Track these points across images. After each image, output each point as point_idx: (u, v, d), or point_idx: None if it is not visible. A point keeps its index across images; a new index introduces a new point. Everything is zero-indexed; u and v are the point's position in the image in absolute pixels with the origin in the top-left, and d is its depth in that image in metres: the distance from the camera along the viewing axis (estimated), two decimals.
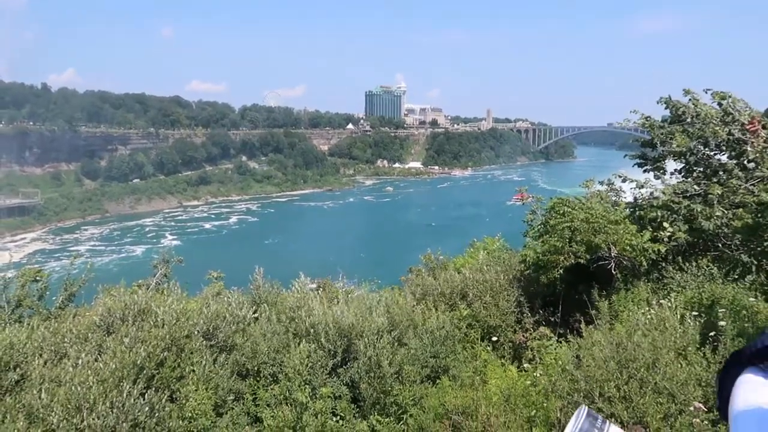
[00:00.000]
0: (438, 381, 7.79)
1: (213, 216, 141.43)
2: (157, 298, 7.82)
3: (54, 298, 10.49)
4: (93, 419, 5.79)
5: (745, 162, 11.70)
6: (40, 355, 6.94)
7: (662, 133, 12.78)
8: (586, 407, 0.93)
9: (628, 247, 10.23)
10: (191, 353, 6.71)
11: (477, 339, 9.66)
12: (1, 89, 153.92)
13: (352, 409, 7.02)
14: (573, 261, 10.48)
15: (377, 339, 7.34)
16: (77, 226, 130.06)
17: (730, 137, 11.76)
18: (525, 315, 10.43)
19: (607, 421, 0.88)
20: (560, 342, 9.01)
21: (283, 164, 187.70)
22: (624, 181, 13.67)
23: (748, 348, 0.99)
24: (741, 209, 9.81)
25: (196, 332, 6.98)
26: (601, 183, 14.15)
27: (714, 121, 12.04)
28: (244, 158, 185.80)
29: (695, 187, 11.66)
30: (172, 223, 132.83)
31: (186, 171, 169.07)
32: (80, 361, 6.60)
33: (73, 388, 6.05)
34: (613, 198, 13.22)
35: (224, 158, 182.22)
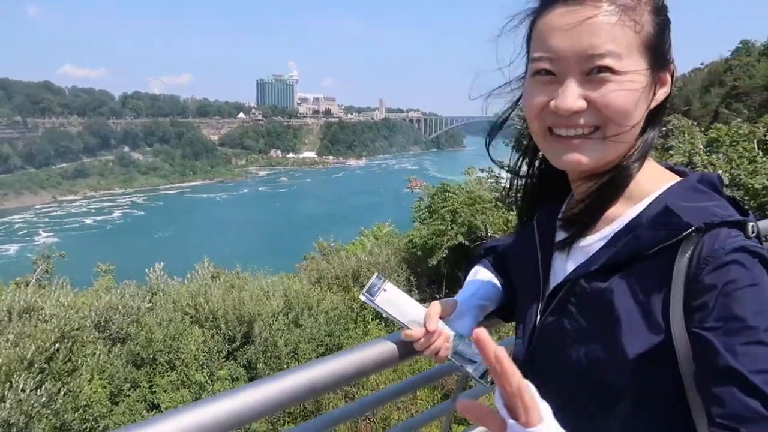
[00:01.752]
0: None
1: (93, 211, 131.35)
2: (42, 293, 7.61)
3: None
4: None
5: None
6: None
7: None
8: (377, 273, 1.22)
9: (504, 227, 11.30)
10: (83, 346, 6.67)
11: (369, 318, 10.29)
12: None
13: None
14: (455, 242, 11.37)
15: (273, 321, 7.70)
16: None
17: None
18: (413, 293, 11.19)
19: (387, 280, 1.20)
20: None
21: (170, 155, 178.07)
22: (501, 167, 14.93)
23: (479, 249, 1.48)
24: None
25: (87, 324, 6.93)
26: (482, 170, 15.33)
27: None
28: (126, 149, 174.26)
29: None
30: (46, 220, 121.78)
31: (60, 163, 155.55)
32: None
33: None
34: (493, 183, 14.39)
35: (104, 149, 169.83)
